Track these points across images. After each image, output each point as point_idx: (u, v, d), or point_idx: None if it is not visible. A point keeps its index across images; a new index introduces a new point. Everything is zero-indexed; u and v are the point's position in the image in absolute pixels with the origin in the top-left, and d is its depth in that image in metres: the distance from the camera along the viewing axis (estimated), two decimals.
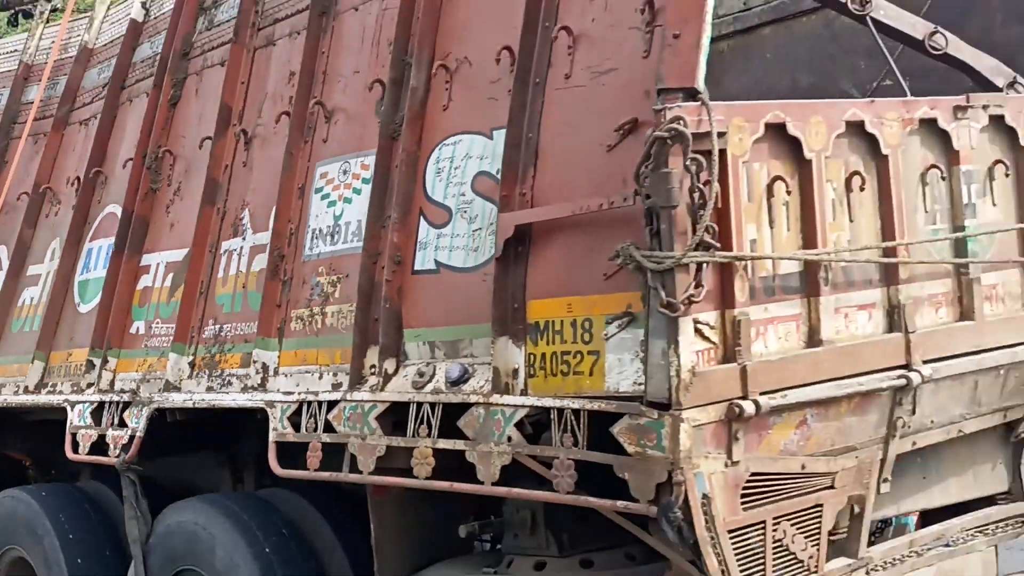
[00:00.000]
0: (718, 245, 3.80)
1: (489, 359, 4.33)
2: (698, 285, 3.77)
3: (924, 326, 4.45)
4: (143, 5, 6.89)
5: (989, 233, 4.66)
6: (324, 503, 5.46)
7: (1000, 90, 5.20)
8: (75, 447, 6.09)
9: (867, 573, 4.46)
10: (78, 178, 6.84)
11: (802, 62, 6.27)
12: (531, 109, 4.38)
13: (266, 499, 5.60)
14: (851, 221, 4.28)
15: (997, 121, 4.71)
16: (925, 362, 4.37)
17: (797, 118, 4.11)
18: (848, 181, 4.27)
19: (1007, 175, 4.70)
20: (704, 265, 3.78)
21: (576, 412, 4.04)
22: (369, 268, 4.83)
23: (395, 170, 4.82)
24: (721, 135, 3.83)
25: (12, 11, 8.22)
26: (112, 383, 6.08)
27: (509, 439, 4.22)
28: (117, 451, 5.83)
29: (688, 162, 3.70)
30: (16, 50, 7.89)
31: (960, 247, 4.58)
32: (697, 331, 3.83)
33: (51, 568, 6.36)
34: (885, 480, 4.42)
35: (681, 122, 3.71)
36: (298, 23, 5.62)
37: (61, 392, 6.38)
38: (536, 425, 4.23)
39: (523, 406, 4.20)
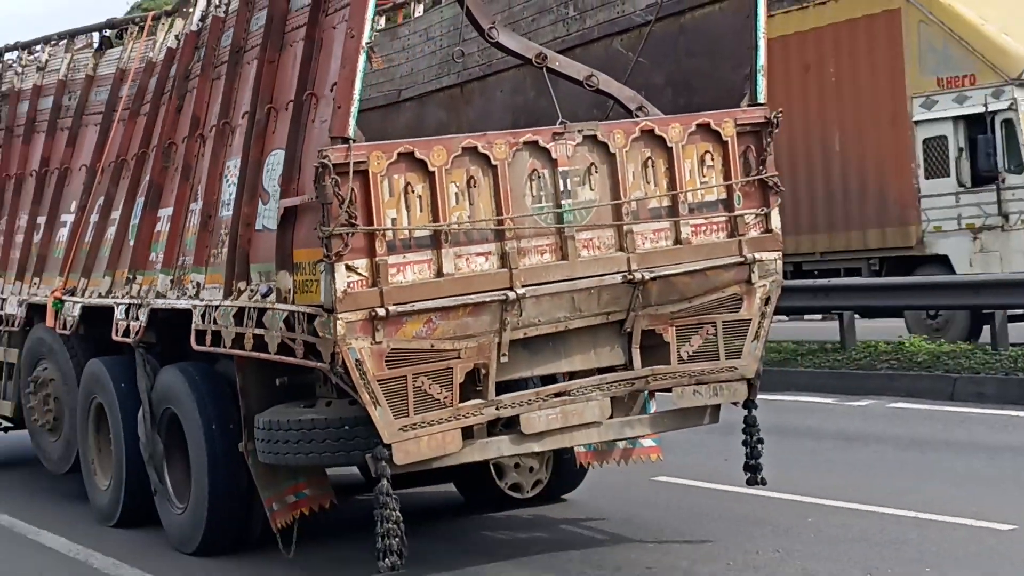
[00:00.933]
0: (357, 223, 7.12)
1: (287, 284, 7.76)
2: (346, 245, 7.11)
3: (529, 264, 7.63)
4: (176, 37, 10.44)
5: (583, 208, 7.78)
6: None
7: (631, 113, 8.31)
8: (116, 331, 9.84)
9: (496, 409, 7.72)
10: (135, 155, 10.52)
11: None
12: (298, 139, 7.76)
13: (209, 362, 9.16)
14: (471, 204, 7.51)
15: (591, 138, 7.81)
16: (526, 286, 7.57)
17: (423, 148, 7.38)
18: (468, 181, 7.49)
19: (596, 172, 7.81)
20: (350, 234, 7.11)
21: (304, 314, 7.46)
22: (235, 227, 8.31)
23: (249, 168, 8.28)
24: (361, 163, 7.15)
25: (117, 29, 11.99)
26: (138, 292, 9.76)
27: (281, 329, 7.68)
28: (134, 335, 9.55)
29: (329, 179, 7.04)
30: (116, 58, 11.61)
31: (559, 217, 7.73)
32: (350, 269, 7.15)
33: (114, 406, 10.15)
34: (504, 355, 7.64)
35: (327, 157, 7.04)
36: (190, 73, 9.13)
37: (116, 297, 10.13)
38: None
39: (287, 310, 7.64)
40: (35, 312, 11.67)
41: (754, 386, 8.36)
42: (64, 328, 10.90)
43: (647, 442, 9.48)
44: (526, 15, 10.31)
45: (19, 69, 13.11)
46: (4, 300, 12.43)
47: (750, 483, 8.57)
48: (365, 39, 7.18)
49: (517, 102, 10.43)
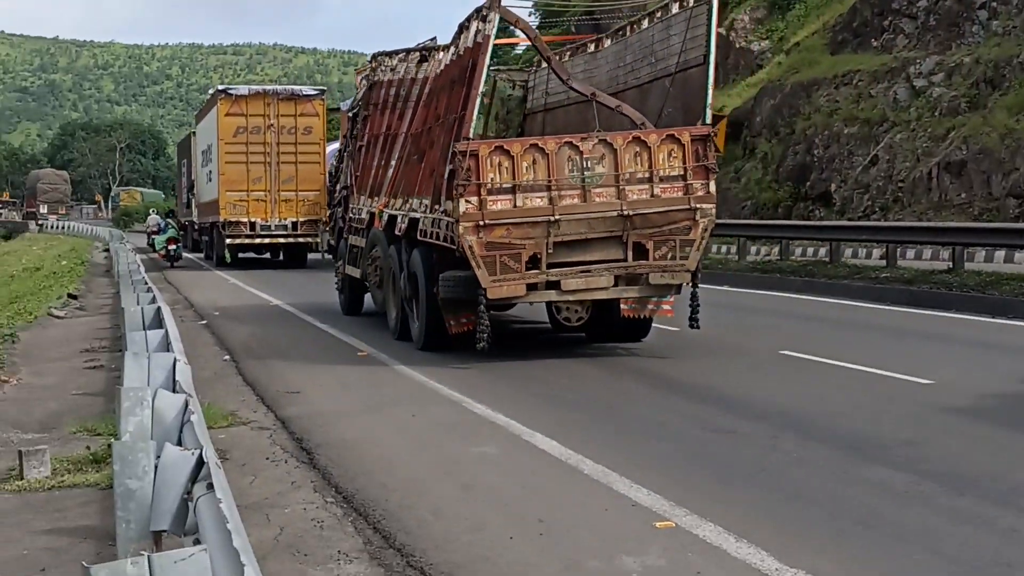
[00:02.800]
0: (471, 180, 15.22)
1: (448, 207, 16.00)
2: (466, 190, 15.24)
3: (564, 204, 15.47)
4: (444, 65, 18.64)
5: (597, 176, 15.53)
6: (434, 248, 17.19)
7: (636, 126, 15.97)
8: (396, 230, 18.36)
9: (546, 276, 15.63)
10: (420, 130, 18.91)
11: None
12: (459, 134, 15.92)
13: (426, 247, 17.40)
14: (534, 172, 15.40)
15: (604, 141, 15.50)
16: (562, 215, 15.43)
17: (508, 144, 15.44)
18: (532, 160, 15.41)
19: (606, 158, 15.52)
20: (467, 186, 15.23)
21: (452, 222, 15.65)
22: (437, 177, 16.58)
23: (443, 147, 16.50)
24: (474, 151, 15.25)
25: (430, 51, 20.38)
26: (406, 208, 18.22)
27: (445, 229, 15.94)
28: (401, 232, 18.06)
29: (457, 158, 15.20)
30: (425, 69, 19.97)
31: (583, 180, 15.52)
32: (467, 202, 15.25)
33: (396, 271, 18.67)
34: (550, 250, 15.49)
35: (454, 147, 15.21)
36: (440, 88, 17.33)
37: (399, 211, 18.62)
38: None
39: (447, 220, 15.86)
40: (373, 217, 20.43)
41: (696, 275, 15.87)
42: (382, 227, 19.58)
43: (665, 306, 17.03)
44: (637, 58, 18.01)
45: (383, 69, 21.89)
46: (362, 210, 21.32)
47: (691, 327, 16.15)
48: (480, 90, 15.29)
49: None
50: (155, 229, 48.02)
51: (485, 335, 15.48)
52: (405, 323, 18.37)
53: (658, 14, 17.63)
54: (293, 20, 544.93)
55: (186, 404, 7.62)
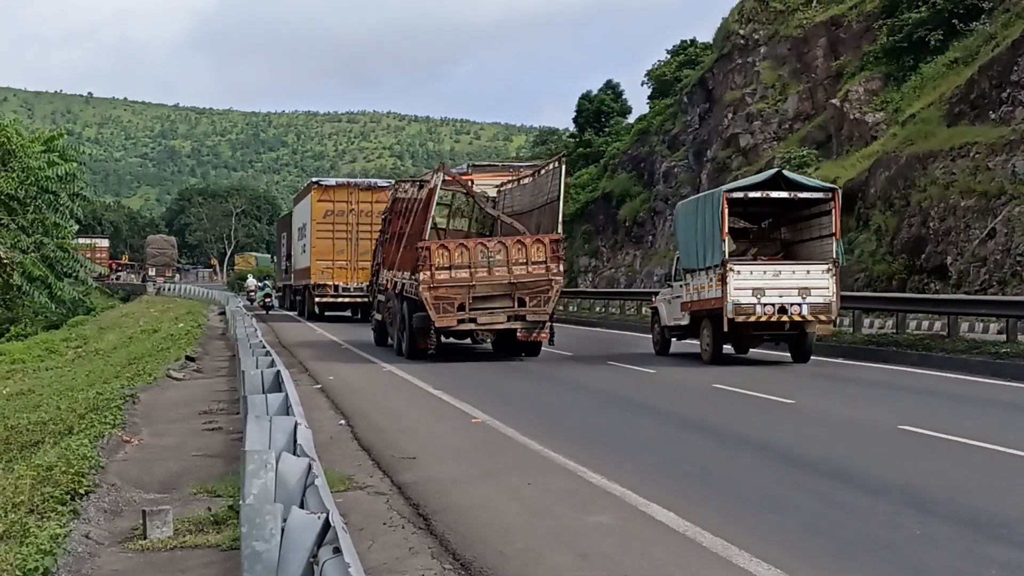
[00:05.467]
0: (426, 262, 29.11)
1: (416, 277, 30.00)
2: (422, 267, 29.10)
3: (479, 275, 29.11)
4: (427, 192, 32.61)
5: (497, 259, 29.37)
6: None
7: (520, 233, 29.92)
8: (394, 289, 32.40)
9: (470, 314, 29.48)
10: (409, 232, 32.93)
11: None
12: (417, 241, 29.92)
13: (409, 299, 31.26)
14: (462, 258, 29.31)
15: (501, 242, 29.33)
16: (477, 281, 29.16)
17: (448, 243, 29.38)
18: (460, 252, 29.33)
19: (501, 250, 29.36)
20: (424, 264, 29.09)
21: (418, 283, 29.65)
22: (415, 258, 30.60)
23: (420, 248, 30.54)
24: (428, 247, 29.18)
25: (422, 180, 34.27)
26: (403, 277, 32.13)
27: (415, 287, 29.96)
28: (399, 288, 32.10)
29: (418, 250, 29.19)
30: (418, 191, 33.95)
31: (489, 261, 29.34)
32: (425, 274, 29.05)
33: (396, 313, 32.63)
34: (471, 301, 29.26)
35: (419, 244, 29.21)
36: (421, 207, 31.36)
37: (398, 280, 32.55)
38: None
39: (416, 283, 29.87)
40: (388, 282, 34.45)
41: (552, 315, 29.56)
42: (392, 288, 33.53)
43: (544, 335, 30.34)
44: (539, 190, 31.84)
45: (402, 190, 36.00)
46: (385, 279, 35.30)
47: (549, 344, 29.93)
48: (431, 214, 29.37)
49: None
50: (252, 289, 68.53)
51: (433, 347, 29.37)
52: (400, 344, 32.23)
53: (546, 167, 31.60)
54: (408, 89, 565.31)
55: (309, 467, 7.76)
